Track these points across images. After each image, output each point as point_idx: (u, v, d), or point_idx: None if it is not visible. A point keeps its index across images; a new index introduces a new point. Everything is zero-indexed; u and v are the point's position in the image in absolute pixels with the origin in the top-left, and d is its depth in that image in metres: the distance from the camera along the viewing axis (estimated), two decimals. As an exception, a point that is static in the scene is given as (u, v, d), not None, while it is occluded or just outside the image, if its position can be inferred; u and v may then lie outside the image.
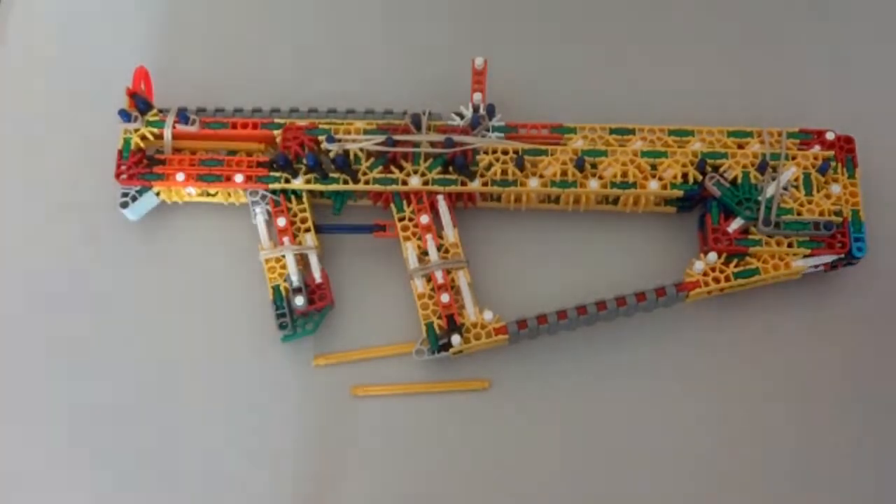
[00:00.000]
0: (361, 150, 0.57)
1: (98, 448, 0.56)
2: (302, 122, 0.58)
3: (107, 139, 0.59)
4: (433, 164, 0.56)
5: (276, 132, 0.58)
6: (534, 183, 0.55)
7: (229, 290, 0.58)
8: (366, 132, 0.57)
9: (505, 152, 0.56)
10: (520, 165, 0.55)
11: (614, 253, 0.58)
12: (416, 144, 0.56)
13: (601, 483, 0.54)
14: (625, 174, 0.55)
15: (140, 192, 0.58)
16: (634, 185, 0.55)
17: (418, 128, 0.57)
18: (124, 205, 0.58)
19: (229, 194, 0.59)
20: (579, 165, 0.55)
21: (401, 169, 0.56)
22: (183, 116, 0.58)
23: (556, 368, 0.56)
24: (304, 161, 0.56)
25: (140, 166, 0.58)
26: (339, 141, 0.57)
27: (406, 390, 0.56)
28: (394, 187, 0.56)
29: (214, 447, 0.55)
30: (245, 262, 0.58)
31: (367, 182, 0.56)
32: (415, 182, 0.56)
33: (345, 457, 0.55)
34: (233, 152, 0.59)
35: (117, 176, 0.57)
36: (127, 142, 0.58)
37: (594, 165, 0.56)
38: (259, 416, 0.56)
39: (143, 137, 0.58)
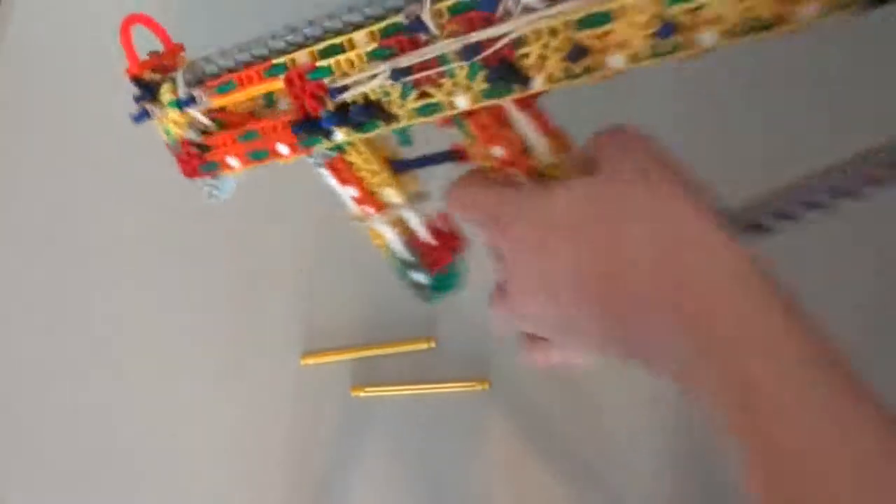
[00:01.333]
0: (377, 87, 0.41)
1: (88, 451, 0.60)
2: (301, 59, 0.43)
3: (105, 134, 0.54)
4: (472, 72, 0.39)
5: (280, 77, 0.44)
6: (617, 62, 0.35)
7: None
8: (368, 57, 0.41)
9: (553, 33, 0.36)
10: (574, 57, 0.35)
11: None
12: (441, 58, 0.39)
13: (601, 483, 0.51)
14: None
15: (216, 179, 0.52)
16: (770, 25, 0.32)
17: (427, 34, 0.38)
18: (211, 196, 0.52)
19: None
20: (664, 33, 0.33)
21: (439, 88, 0.40)
22: (186, 102, 0.47)
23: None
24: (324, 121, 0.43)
25: (194, 156, 0.50)
26: (342, 90, 0.41)
27: (406, 390, 0.53)
28: (443, 114, 0.41)
29: (211, 446, 0.57)
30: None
31: (406, 115, 0.42)
32: (462, 104, 0.40)
33: (344, 457, 0.54)
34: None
35: (186, 174, 0.51)
36: (168, 133, 0.50)
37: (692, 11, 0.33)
38: (257, 416, 0.56)
39: (175, 123, 0.50)
